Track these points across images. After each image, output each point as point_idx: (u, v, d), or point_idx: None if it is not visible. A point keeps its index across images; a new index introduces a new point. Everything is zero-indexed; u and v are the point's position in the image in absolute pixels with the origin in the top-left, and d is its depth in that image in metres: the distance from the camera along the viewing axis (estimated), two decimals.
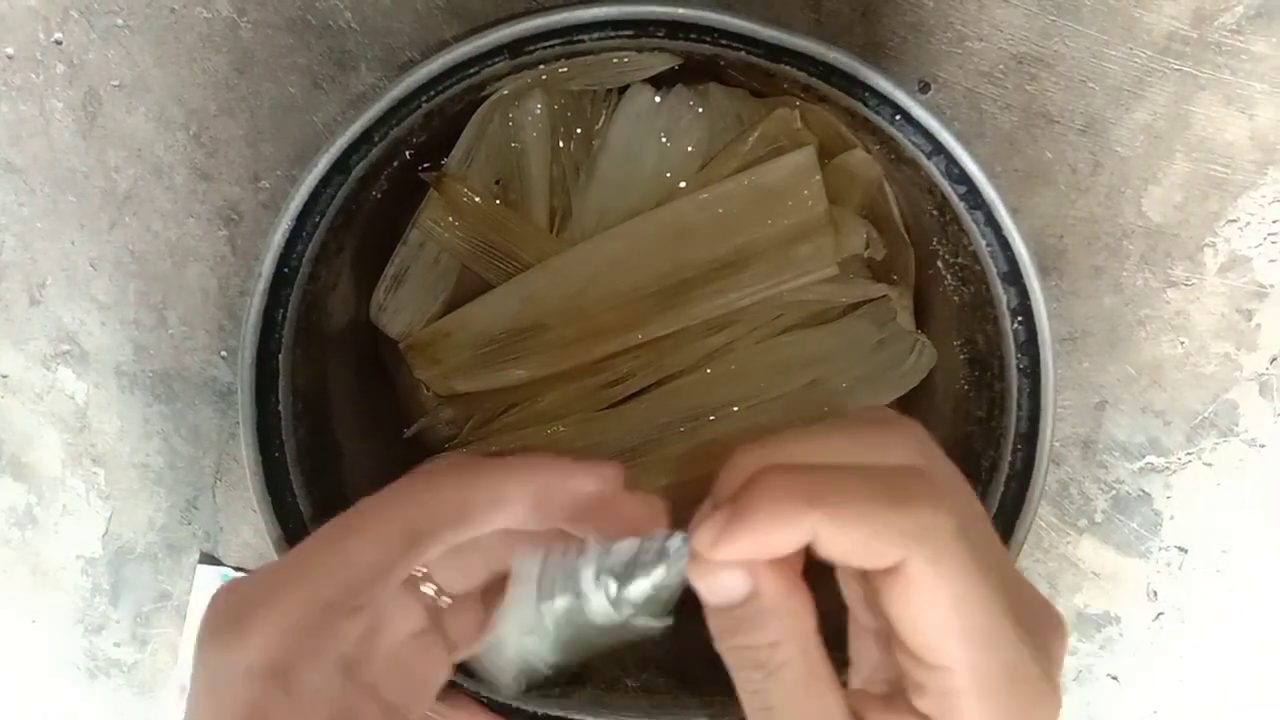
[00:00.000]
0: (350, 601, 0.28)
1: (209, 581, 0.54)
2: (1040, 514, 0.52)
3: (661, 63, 0.46)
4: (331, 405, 0.46)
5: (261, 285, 0.41)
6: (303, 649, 0.27)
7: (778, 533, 0.24)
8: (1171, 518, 0.53)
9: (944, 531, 0.23)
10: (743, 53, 0.41)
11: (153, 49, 0.49)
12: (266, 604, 0.27)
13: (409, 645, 0.31)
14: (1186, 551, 0.53)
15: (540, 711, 0.42)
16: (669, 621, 0.27)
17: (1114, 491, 0.53)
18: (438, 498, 0.29)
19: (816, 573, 0.51)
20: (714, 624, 0.26)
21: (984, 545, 0.23)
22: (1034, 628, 0.24)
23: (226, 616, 0.27)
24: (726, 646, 0.26)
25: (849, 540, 0.23)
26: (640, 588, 0.26)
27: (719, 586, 0.25)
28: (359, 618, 0.28)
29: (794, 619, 0.25)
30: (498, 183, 0.48)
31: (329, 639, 0.28)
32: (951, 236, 0.43)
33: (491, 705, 0.42)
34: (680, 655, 0.47)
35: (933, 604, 0.22)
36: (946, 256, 0.45)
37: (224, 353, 0.52)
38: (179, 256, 0.51)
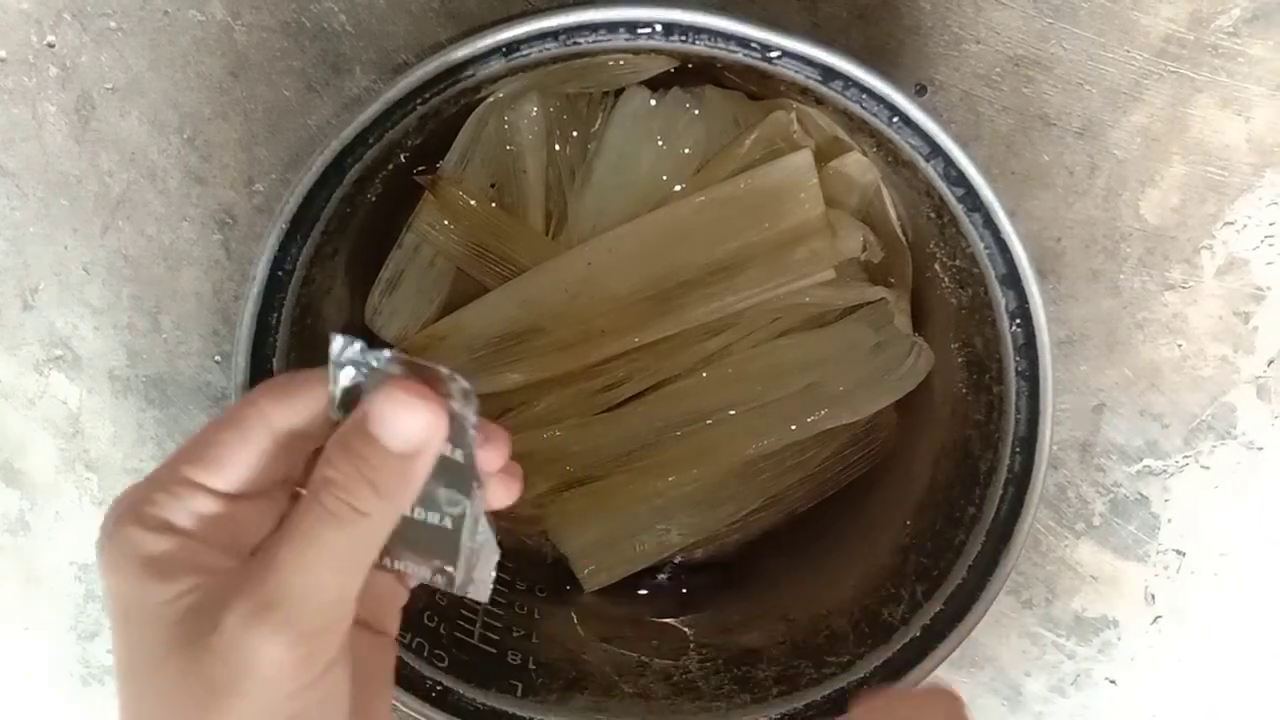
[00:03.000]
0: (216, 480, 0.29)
1: None
2: (1038, 517, 0.52)
3: (658, 65, 0.45)
4: None
5: (255, 289, 0.40)
6: (178, 513, 0.28)
7: None
8: (1169, 521, 0.53)
9: None
10: (739, 55, 0.41)
11: (146, 52, 0.49)
12: (140, 491, 0.28)
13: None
14: (1184, 555, 0.53)
15: (537, 718, 0.42)
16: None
17: (1112, 495, 0.53)
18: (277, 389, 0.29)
19: (806, 559, 0.50)
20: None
21: None
22: None
23: (113, 513, 0.28)
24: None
25: None
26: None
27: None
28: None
29: None
30: (493, 186, 0.48)
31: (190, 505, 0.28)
32: (949, 239, 0.43)
33: (481, 711, 0.42)
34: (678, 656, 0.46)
35: None
36: (944, 259, 0.44)
37: (218, 357, 0.52)
38: (173, 261, 0.51)
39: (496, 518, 0.31)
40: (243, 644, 0.26)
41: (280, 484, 0.30)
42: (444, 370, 0.28)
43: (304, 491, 0.29)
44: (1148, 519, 0.53)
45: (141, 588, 0.27)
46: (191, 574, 0.27)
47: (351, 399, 0.28)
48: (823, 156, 0.47)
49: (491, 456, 0.30)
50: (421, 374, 0.28)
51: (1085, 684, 0.54)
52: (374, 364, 0.28)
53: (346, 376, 0.28)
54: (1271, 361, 0.52)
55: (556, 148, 0.48)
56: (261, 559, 0.27)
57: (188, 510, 0.28)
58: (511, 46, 0.41)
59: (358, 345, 0.28)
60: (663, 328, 0.47)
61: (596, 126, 0.48)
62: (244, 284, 0.40)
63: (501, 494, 0.32)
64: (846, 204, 0.48)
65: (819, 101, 0.44)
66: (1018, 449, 0.41)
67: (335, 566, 0.27)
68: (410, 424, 0.27)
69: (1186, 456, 0.53)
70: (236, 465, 0.28)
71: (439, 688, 0.41)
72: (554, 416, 0.49)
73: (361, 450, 0.27)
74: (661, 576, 0.53)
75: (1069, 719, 0.55)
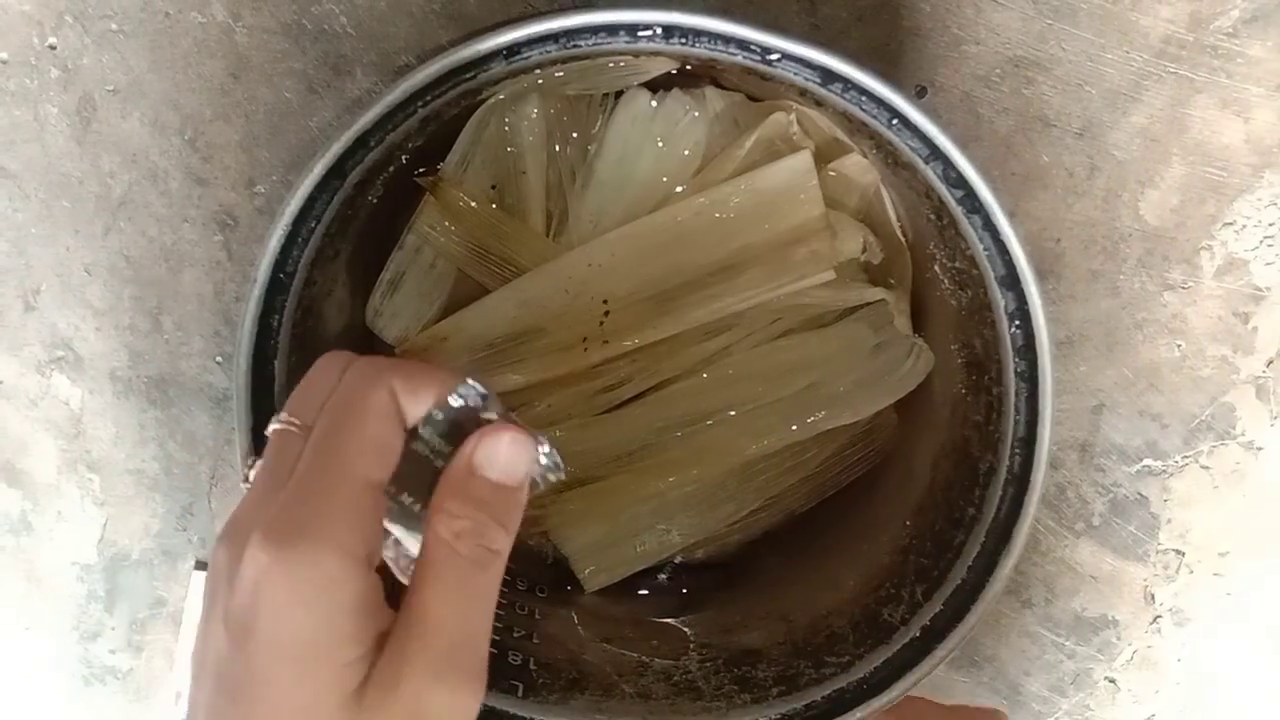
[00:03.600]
0: (385, 476, 0.29)
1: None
2: (1038, 517, 0.52)
3: (658, 67, 0.46)
4: None
5: (257, 291, 0.40)
6: (373, 533, 0.28)
7: None
8: (1169, 521, 0.53)
9: None
10: (739, 57, 0.41)
11: (147, 54, 0.49)
12: (332, 503, 0.27)
13: None
14: (1184, 554, 0.53)
15: (538, 718, 0.42)
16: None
17: (1111, 495, 0.53)
18: (401, 373, 0.30)
19: (806, 559, 0.50)
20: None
21: None
22: None
23: (294, 528, 0.27)
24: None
25: None
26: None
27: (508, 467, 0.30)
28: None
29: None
30: (494, 187, 0.48)
31: (378, 519, 0.29)
32: (949, 240, 0.43)
33: (482, 711, 0.42)
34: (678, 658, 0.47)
35: None
36: (944, 260, 0.45)
37: (219, 358, 0.52)
38: (174, 262, 0.51)
39: None
40: (430, 702, 0.26)
41: None
42: (539, 436, 0.31)
43: None
44: (1147, 519, 0.53)
45: (333, 638, 0.26)
46: (375, 637, 0.27)
47: (445, 426, 0.30)
48: (822, 158, 0.47)
49: None
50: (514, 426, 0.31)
51: (1085, 684, 0.55)
52: (483, 415, 0.31)
53: (454, 401, 0.31)
54: (1270, 362, 0.52)
55: (557, 149, 0.48)
56: (419, 615, 0.27)
57: (377, 518, 0.28)
58: (512, 49, 0.41)
59: (479, 398, 0.31)
60: (663, 329, 0.48)
61: (597, 128, 0.48)
62: (245, 285, 0.40)
63: None
64: (846, 205, 0.48)
65: (818, 103, 0.44)
66: (1017, 450, 0.41)
67: (488, 606, 0.29)
68: (517, 456, 0.30)
69: (1186, 457, 0.53)
70: (397, 454, 0.29)
71: None
72: (554, 417, 0.49)
73: (480, 494, 0.29)
74: (662, 577, 0.53)
75: (1068, 719, 0.55)
